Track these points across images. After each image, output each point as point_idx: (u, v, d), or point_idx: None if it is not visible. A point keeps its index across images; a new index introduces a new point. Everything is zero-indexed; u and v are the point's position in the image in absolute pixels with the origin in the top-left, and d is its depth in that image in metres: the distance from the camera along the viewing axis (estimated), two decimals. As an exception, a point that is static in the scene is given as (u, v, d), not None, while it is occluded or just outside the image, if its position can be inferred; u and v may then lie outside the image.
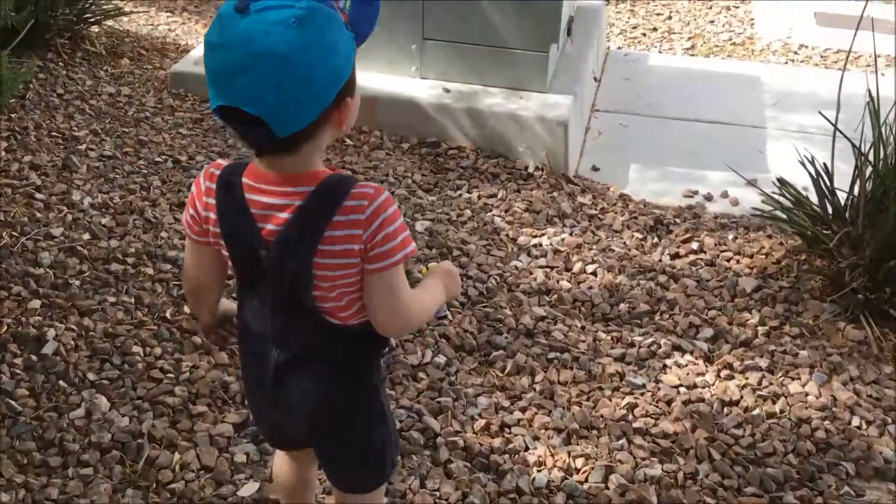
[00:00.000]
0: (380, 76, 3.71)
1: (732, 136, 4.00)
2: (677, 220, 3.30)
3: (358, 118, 1.37)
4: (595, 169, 3.69)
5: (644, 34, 5.18)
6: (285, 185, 1.27)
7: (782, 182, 3.02)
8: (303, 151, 1.26)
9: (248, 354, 1.47)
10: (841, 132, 2.80)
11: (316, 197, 1.26)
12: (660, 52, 4.97)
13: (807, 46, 5.03)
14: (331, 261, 1.28)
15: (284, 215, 1.27)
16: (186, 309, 2.45)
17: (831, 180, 2.87)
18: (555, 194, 3.37)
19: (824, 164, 2.87)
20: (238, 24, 1.16)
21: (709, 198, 3.53)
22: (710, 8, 5.60)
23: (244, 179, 1.30)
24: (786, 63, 4.84)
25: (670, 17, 5.41)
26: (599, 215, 3.29)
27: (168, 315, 2.44)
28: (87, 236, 2.72)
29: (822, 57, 4.91)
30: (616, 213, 3.31)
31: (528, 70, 3.63)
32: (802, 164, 2.91)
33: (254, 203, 1.29)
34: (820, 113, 2.90)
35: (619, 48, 4.99)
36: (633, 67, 4.66)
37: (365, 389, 1.44)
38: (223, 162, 1.36)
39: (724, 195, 3.54)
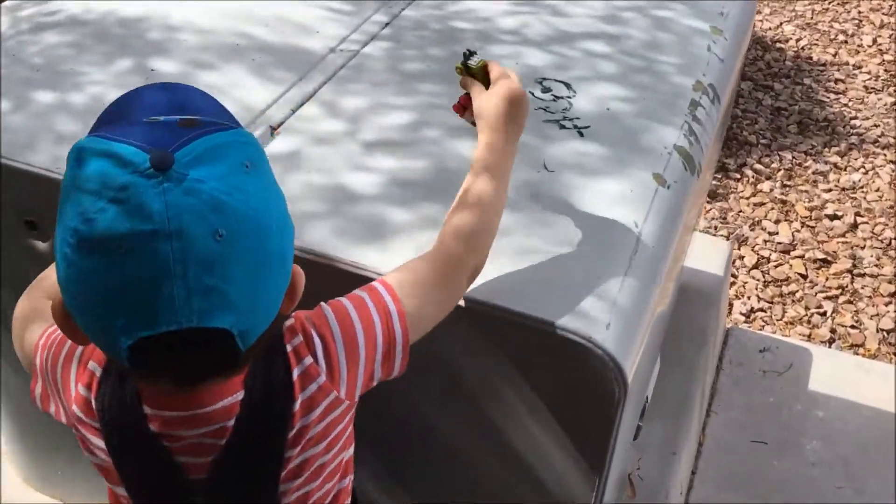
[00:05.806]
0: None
1: None
2: None
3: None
4: None
5: (803, 275, 2.80)
6: (214, 399, 0.83)
7: None
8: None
9: None
10: None
11: (254, 400, 0.84)
12: (831, 336, 2.59)
13: None
14: (313, 458, 0.90)
15: (222, 441, 0.85)
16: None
17: None
18: None
19: None
20: (172, 192, 0.68)
21: None
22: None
23: (146, 409, 0.84)
24: None
25: (855, 227, 2.99)
26: None
27: None
28: None
29: None
30: None
31: None
32: None
33: (173, 438, 0.85)
34: None
35: (748, 318, 2.65)
36: (770, 389, 2.34)
37: None
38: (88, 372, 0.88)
39: None
